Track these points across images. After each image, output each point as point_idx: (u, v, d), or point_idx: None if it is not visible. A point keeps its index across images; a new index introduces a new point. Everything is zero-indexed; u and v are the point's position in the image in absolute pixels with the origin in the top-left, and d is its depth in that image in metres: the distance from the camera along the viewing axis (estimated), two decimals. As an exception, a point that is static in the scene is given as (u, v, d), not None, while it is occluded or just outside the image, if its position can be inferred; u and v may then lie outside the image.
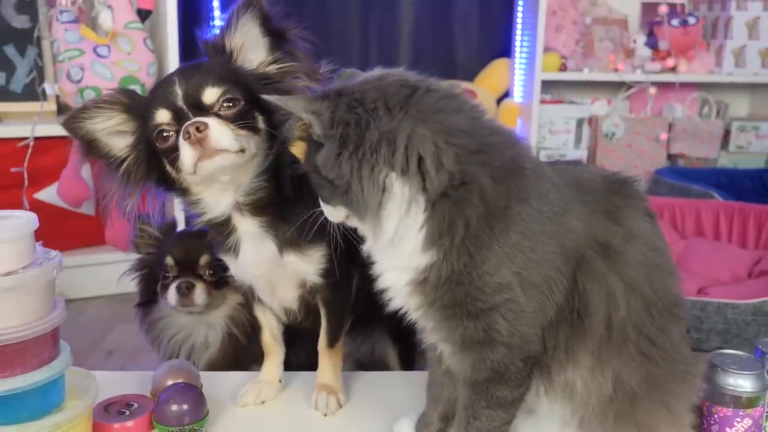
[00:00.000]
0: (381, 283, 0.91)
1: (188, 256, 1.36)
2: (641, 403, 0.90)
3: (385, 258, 0.89)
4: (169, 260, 1.37)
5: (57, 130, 2.34)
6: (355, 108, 0.82)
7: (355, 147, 0.81)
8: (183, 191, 1.08)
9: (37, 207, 2.28)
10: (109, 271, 2.32)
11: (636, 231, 0.89)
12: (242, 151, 1.01)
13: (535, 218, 0.83)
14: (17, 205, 2.23)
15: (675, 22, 3.35)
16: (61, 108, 2.56)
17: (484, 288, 0.82)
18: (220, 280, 1.35)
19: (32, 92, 2.48)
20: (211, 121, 0.98)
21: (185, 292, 1.33)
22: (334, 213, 0.89)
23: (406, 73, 0.89)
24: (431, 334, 0.90)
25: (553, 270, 0.84)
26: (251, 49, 1.07)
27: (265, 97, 0.90)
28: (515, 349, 0.84)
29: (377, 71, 0.90)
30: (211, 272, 1.35)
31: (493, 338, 0.84)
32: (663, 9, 3.36)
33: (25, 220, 0.94)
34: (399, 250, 0.85)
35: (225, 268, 1.23)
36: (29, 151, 2.29)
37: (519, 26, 3.40)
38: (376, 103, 0.82)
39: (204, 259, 1.35)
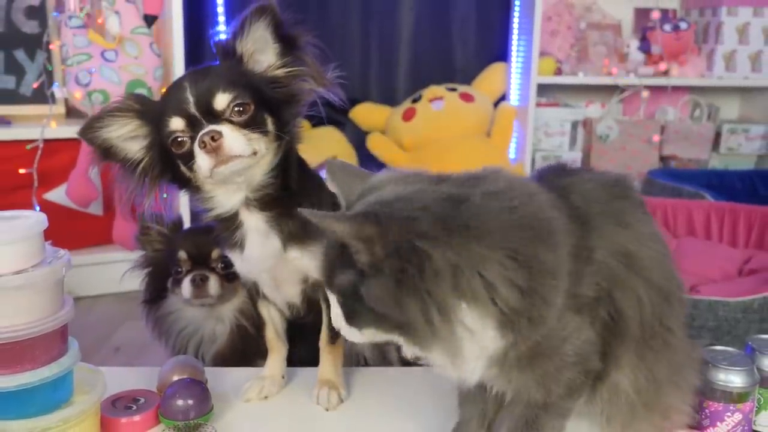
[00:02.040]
0: (455, 376, 0.86)
1: (201, 250, 1.38)
2: (664, 389, 0.91)
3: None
4: (182, 254, 1.38)
5: (66, 132, 2.34)
6: (412, 238, 0.72)
7: (415, 280, 0.72)
8: (196, 189, 1.09)
9: (47, 207, 2.28)
10: (116, 270, 2.30)
11: (642, 230, 0.89)
12: (254, 153, 1.02)
13: (567, 256, 0.80)
14: (27, 206, 2.23)
15: (667, 27, 3.35)
16: (70, 111, 2.56)
17: (553, 330, 0.81)
18: (231, 272, 1.35)
19: (41, 95, 2.48)
20: (225, 129, 0.99)
21: (200, 284, 1.35)
22: (357, 335, 0.80)
23: (432, 175, 0.83)
24: (506, 385, 0.87)
25: (594, 288, 0.83)
26: (261, 52, 1.07)
27: (302, 211, 0.76)
28: (579, 365, 0.84)
29: (405, 174, 0.83)
30: (222, 265, 1.36)
31: (566, 363, 0.83)
32: (655, 14, 3.36)
33: (35, 220, 0.94)
34: (471, 350, 0.79)
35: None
36: (39, 152, 2.29)
37: (515, 31, 3.40)
38: (435, 230, 0.73)
39: (216, 253, 1.37)
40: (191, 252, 1.38)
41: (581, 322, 0.82)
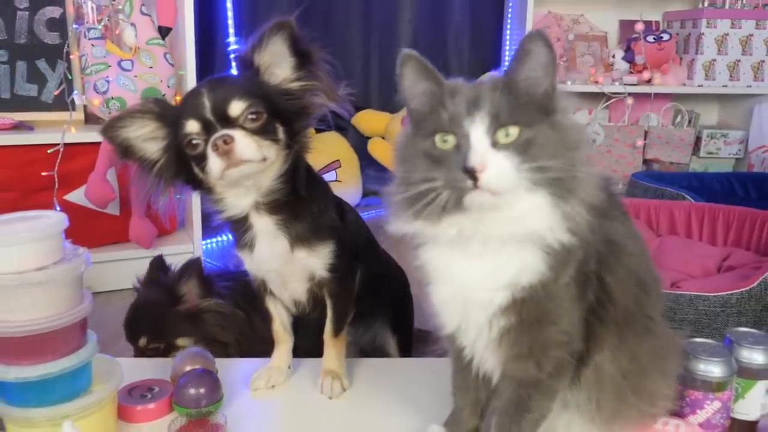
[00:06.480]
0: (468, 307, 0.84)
1: (132, 339, 1.41)
2: (650, 374, 0.91)
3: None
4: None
5: (85, 137, 2.34)
6: None
7: None
8: (208, 190, 1.09)
9: (67, 208, 2.28)
10: (132, 267, 2.31)
11: (624, 226, 0.90)
12: (264, 159, 1.02)
13: None
14: (48, 206, 2.23)
15: (650, 38, 3.35)
16: (89, 117, 2.55)
17: (557, 298, 0.81)
18: (158, 350, 1.38)
19: (62, 103, 2.47)
20: (237, 134, 0.99)
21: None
22: None
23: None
24: (503, 351, 0.86)
25: (589, 268, 0.84)
26: (277, 65, 1.06)
27: None
28: (567, 346, 0.84)
29: None
30: (151, 350, 1.38)
31: (558, 340, 0.83)
32: (639, 26, 3.36)
33: (56, 219, 0.94)
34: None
35: (164, 342, 1.36)
36: (59, 156, 2.28)
37: (507, 43, 3.40)
38: None
39: (143, 341, 1.39)
40: (127, 337, 1.42)
41: (576, 299, 0.82)
